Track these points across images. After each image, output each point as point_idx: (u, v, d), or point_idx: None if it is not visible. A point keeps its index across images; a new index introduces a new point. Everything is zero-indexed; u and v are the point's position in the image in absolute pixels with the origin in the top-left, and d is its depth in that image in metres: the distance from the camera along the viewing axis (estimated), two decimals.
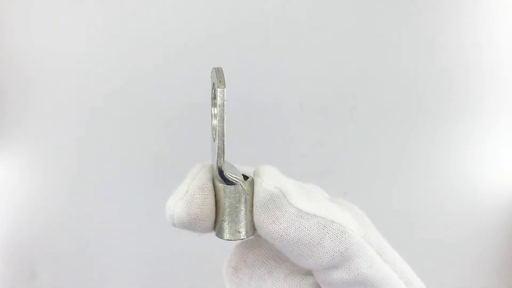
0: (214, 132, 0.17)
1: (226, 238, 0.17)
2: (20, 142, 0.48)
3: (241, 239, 0.17)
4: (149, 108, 0.46)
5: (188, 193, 0.17)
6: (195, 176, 0.17)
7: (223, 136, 0.16)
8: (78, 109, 0.47)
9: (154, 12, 0.48)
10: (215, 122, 0.17)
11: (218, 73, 0.16)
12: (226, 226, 0.17)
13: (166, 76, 0.46)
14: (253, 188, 0.17)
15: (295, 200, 0.16)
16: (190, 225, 0.16)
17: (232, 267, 0.18)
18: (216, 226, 0.17)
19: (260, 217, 0.16)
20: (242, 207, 0.17)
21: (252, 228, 0.17)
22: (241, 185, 0.16)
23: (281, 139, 0.44)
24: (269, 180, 0.16)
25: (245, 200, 0.17)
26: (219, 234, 0.17)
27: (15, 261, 0.46)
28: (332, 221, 0.16)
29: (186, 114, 0.45)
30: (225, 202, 0.17)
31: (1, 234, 0.47)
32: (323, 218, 0.16)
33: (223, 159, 0.17)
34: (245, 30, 0.46)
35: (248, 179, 0.17)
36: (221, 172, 0.16)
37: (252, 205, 0.17)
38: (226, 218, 0.17)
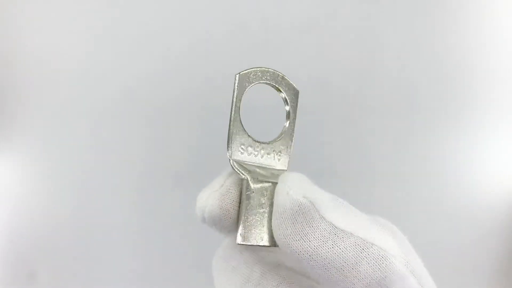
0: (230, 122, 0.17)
1: (243, 242, 0.15)
2: (20, 142, 0.48)
3: (263, 245, 0.15)
4: (150, 109, 0.46)
5: (224, 186, 0.16)
6: (232, 173, 0.16)
7: (231, 122, 0.16)
8: (78, 110, 0.47)
9: (155, 13, 0.47)
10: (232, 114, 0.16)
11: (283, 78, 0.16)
12: (246, 227, 0.15)
13: (166, 76, 0.46)
14: (273, 196, 0.15)
15: (329, 214, 0.13)
16: (220, 220, 0.15)
17: (221, 257, 0.17)
18: (238, 227, 0.16)
19: (284, 231, 0.13)
20: (263, 209, 0.15)
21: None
22: (247, 180, 0.15)
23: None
24: (298, 189, 0.14)
25: (266, 204, 0.15)
26: (241, 237, 0.15)
27: (14, 261, 0.46)
28: (372, 244, 0.13)
29: (188, 115, 0.45)
30: (245, 200, 0.16)
31: (0, 234, 0.47)
32: (361, 239, 0.13)
33: (231, 145, 0.16)
34: (245, 30, 0.46)
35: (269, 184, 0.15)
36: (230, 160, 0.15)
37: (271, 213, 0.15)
38: (247, 218, 0.15)
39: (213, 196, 0.16)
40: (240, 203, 0.16)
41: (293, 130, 0.16)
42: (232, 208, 0.15)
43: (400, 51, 0.45)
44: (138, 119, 0.46)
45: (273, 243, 0.15)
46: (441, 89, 0.45)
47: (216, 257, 0.17)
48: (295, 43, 0.46)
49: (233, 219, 0.15)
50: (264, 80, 0.16)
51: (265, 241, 0.15)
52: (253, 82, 0.16)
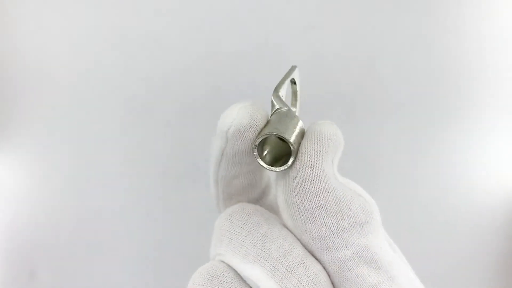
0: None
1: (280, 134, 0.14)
2: (19, 142, 0.48)
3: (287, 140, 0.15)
4: (149, 108, 0.46)
5: (255, 102, 0.16)
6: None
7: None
8: (78, 109, 0.47)
9: (154, 12, 0.48)
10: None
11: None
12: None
13: (165, 76, 0.46)
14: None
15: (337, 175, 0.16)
16: (247, 130, 0.15)
17: (228, 214, 0.17)
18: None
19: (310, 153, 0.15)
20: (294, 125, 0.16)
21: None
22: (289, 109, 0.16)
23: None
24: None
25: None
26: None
27: (15, 261, 0.46)
28: (360, 195, 0.16)
29: (185, 113, 0.46)
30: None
31: (0, 234, 0.47)
32: (354, 191, 0.16)
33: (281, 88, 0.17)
34: (245, 31, 0.46)
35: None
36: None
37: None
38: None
39: (244, 107, 0.16)
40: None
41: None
42: (261, 120, 0.16)
43: (398, 51, 0.45)
44: (138, 119, 0.46)
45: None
46: (443, 90, 0.45)
47: (232, 217, 0.16)
48: (295, 43, 0.46)
49: (257, 133, 0.15)
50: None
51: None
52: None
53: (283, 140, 0.15)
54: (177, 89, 0.46)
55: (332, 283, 0.14)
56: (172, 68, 0.46)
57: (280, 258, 0.14)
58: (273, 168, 0.15)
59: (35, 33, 0.49)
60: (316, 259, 0.15)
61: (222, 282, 0.14)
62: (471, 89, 0.45)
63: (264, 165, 0.15)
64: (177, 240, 0.44)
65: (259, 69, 0.45)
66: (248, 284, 0.15)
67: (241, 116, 0.15)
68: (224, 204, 0.18)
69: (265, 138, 0.15)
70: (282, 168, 0.15)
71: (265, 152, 0.16)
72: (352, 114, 0.44)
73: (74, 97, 0.47)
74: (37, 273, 0.46)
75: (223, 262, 0.15)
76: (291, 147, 0.14)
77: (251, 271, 0.14)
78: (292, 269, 0.14)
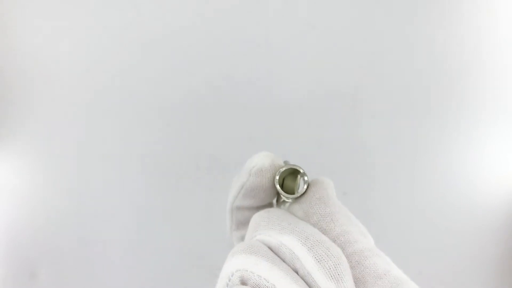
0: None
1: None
2: (20, 142, 0.48)
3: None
4: (150, 108, 0.46)
5: (275, 156, 0.20)
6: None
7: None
8: (78, 110, 0.47)
9: (154, 12, 0.48)
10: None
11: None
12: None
13: (166, 76, 0.46)
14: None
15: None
16: (267, 170, 0.20)
17: (266, 210, 0.21)
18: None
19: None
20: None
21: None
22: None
23: (281, 139, 0.44)
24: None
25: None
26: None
27: (15, 261, 0.46)
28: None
29: (186, 113, 0.46)
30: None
31: (1, 234, 0.47)
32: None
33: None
34: (245, 31, 0.46)
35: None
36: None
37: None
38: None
39: (266, 155, 0.20)
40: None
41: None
42: (279, 166, 0.20)
43: (401, 51, 0.45)
44: (139, 119, 0.46)
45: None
46: (443, 89, 0.45)
47: (269, 212, 0.20)
48: (295, 43, 0.46)
49: (275, 172, 0.20)
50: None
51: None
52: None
53: (296, 174, 0.20)
54: (178, 89, 0.46)
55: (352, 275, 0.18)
56: (173, 69, 0.47)
57: (311, 233, 0.17)
58: (290, 196, 0.20)
59: (37, 36, 0.49)
60: None
61: (259, 249, 0.17)
62: (471, 89, 0.45)
63: (283, 192, 0.20)
64: (178, 241, 0.44)
65: (259, 69, 0.45)
66: (280, 257, 0.18)
67: (264, 159, 0.20)
68: (233, 232, 0.23)
69: (284, 172, 0.20)
70: (299, 194, 0.20)
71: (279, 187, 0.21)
72: (352, 114, 0.44)
73: (75, 97, 0.47)
74: (37, 274, 0.46)
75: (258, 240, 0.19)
76: (306, 177, 0.19)
77: (287, 238, 0.18)
78: (322, 241, 0.17)
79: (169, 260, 0.44)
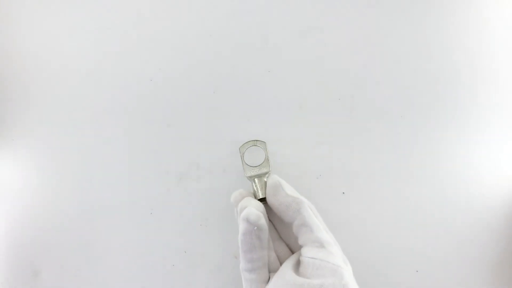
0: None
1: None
2: (22, 142, 0.48)
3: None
4: (152, 108, 0.46)
5: (259, 205, 0.34)
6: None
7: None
8: (80, 110, 0.47)
9: (155, 12, 0.48)
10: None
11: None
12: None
13: (167, 76, 0.47)
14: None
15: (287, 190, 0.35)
16: (260, 219, 0.32)
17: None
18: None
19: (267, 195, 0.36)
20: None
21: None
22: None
23: (280, 139, 0.44)
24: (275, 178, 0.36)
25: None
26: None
27: (17, 260, 0.47)
28: (298, 198, 0.34)
29: (188, 114, 0.46)
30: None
31: (3, 234, 0.47)
32: (295, 197, 0.34)
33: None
34: (245, 31, 0.47)
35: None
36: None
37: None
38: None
39: (255, 208, 0.33)
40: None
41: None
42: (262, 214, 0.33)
43: (400, 52, 0.45)
44: (141, 119, 0.46)
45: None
46: (442, 90, 0.45)
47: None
48: (295, 43, 0.46)
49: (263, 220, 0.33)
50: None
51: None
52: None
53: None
54: (178, 89, 0.46)
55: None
56: (173, 69, 0.47)
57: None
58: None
59: (38, 35, 0.49)
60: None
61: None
62: (471, 90, 0.45)
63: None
64: (178, 241, 0.44)
65: (259, 70, 0.46)
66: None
67: (254, 208, 0.34)
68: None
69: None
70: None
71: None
72: (352, 114, 0.44)
73: (77, 98, 0.48)
74: (40, 273, 0.46)
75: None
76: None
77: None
78: (327, 231, 0.35)
79: (170, 260, 0.44)
